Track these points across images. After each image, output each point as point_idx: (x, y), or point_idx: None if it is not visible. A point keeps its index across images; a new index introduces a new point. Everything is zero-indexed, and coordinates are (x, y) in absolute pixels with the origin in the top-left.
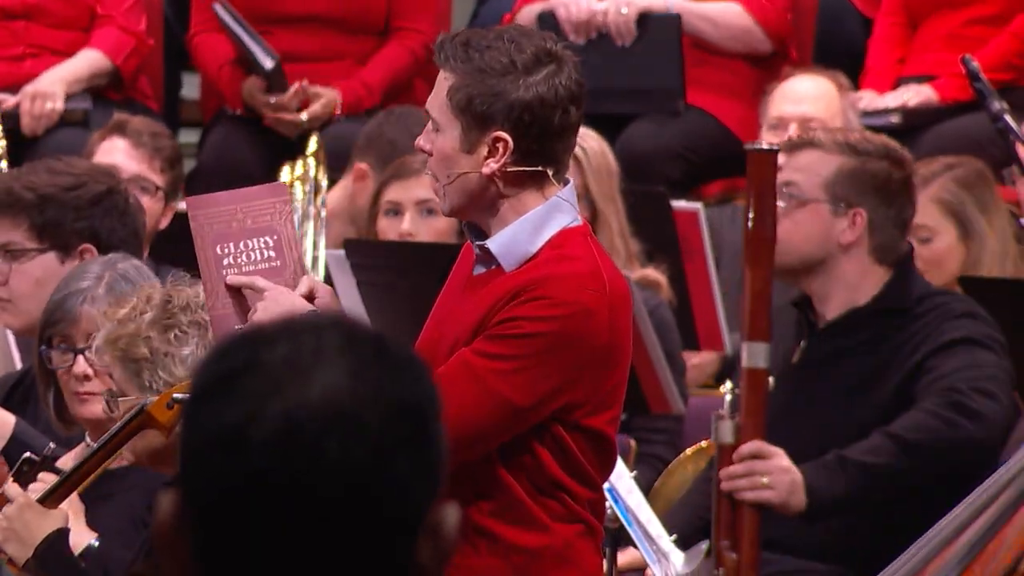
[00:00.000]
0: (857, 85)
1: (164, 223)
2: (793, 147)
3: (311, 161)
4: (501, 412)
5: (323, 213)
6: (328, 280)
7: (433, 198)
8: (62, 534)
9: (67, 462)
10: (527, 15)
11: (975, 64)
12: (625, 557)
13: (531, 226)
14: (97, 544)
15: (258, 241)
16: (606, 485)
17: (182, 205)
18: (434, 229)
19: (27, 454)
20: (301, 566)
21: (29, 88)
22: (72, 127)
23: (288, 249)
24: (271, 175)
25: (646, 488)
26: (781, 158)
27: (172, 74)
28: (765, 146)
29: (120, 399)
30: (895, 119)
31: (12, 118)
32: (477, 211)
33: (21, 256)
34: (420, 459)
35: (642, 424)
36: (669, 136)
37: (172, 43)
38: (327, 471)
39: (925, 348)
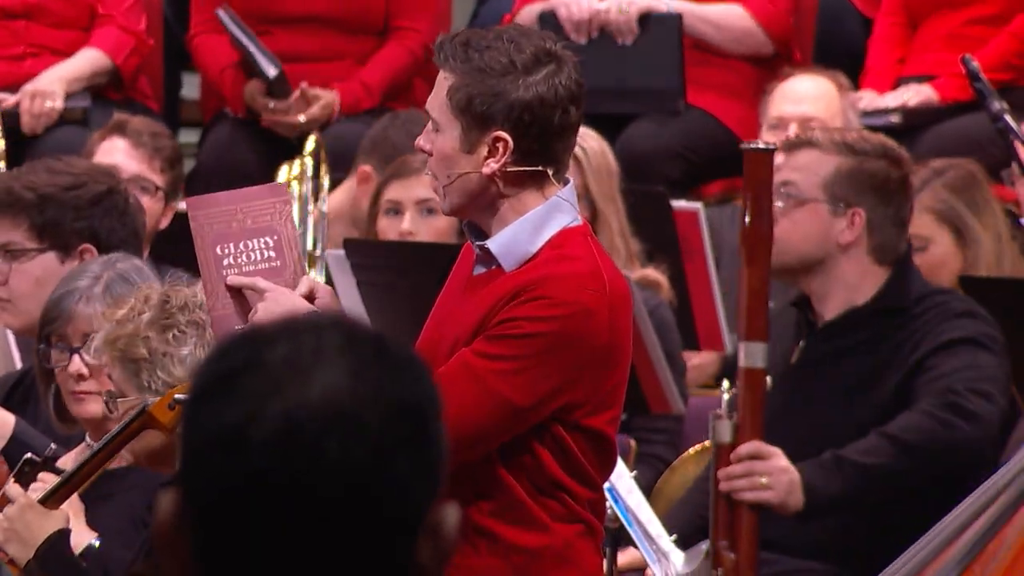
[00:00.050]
0: (857, 85)
1: (164, 223)
2: (791, 147)
3: (308, 160)
4: (501, 412)
5: (324, 208)
6: (328, 280)
7: (433, 197)
8: (63, 535)
9: (68, 462)
10: (528, 15)
11: (975, 64)
12: (625, 557)
13: (531, 226)
14: (97, 544)
15: (258, 241)
16: (606, 485)
17: (182, 205)
18: (434, 229)
19: (28, 455)
20: (301, 566)
21: (29, 87)
22: (72, 126)
23: (288, 249)
24: (271, 175)
25: (646, 488)
26: (779, 158)
27: (172, 74)
28: (761, 145)
29: (119, 399)
30: (895, 119)
31: (12, 117)
32: (477, 211)
33: (21, 256)
34: (420, 459)
35: (642, 424)
36: (669, 136)
37: (172, 43)
38: (327, 471)
39: (924, 347)
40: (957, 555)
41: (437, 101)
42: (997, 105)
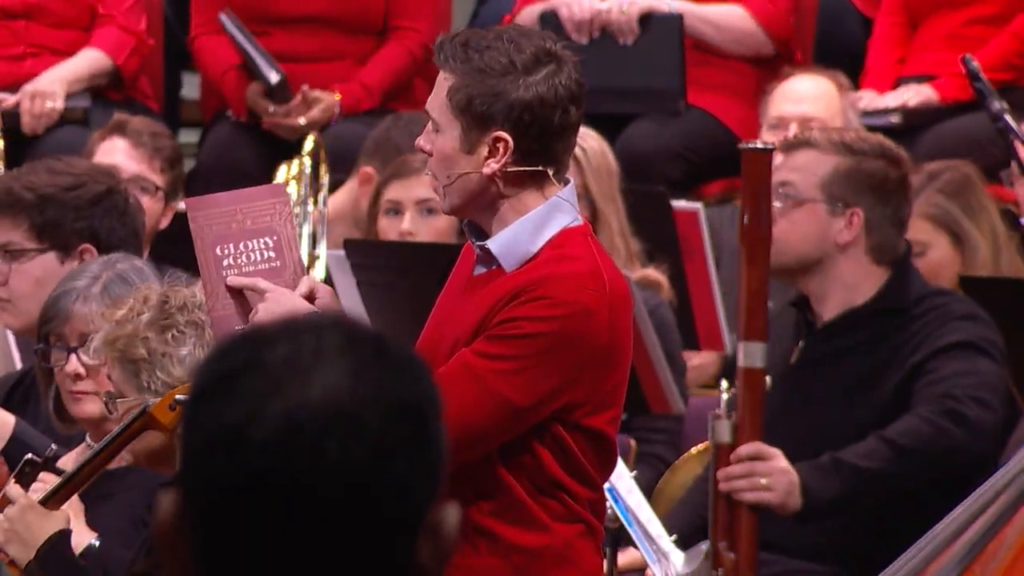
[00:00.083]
0: (857, 85)
1: (164, 223)
2: (789, 147)
3: (307, 160)
4: (501, 412)
5: (323, 208)
6: (328, 280)
7: (433, 197)
8: (64, 535)
9: (68, 463)
10: (528, 15)
11: (975, 64)
12: (625, 557)
13: (531, 226)
14: (97, 544)
15: (258, 242)
16: (606, 485)
17: (182, 205)
18: (434, 229)
19: (29, 455)
20: (301, 566)
21: (29, 87)
22: (72, 126)
23: (288, 250)
24: (271, 175)
25: (646, 488)
26: (777, 158)
27: (172, 74)
28: (760, 145)
29: (119, 400)
30: (895, 119)
31: (12, 117)
32: (477, 211)
33: (21, 256)
34: (420, 459)
35: (642, 424)
36: (669, 136)
37: (172, 43)
38: (327, 471)
39: (924, 350)
40: (957, 555)
41: (437, 101)
42: (997, 105)
